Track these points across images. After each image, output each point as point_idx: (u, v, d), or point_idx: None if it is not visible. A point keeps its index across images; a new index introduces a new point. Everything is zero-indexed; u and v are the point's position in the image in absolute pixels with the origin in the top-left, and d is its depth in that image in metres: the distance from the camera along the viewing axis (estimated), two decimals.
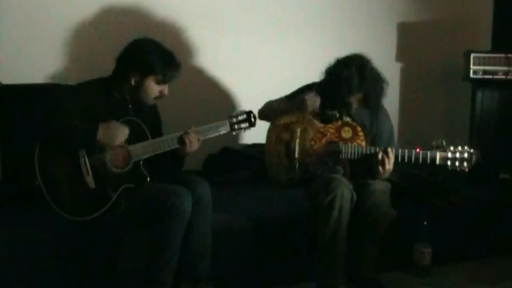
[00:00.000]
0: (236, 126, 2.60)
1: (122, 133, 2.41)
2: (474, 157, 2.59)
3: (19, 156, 2.47)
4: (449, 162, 2.59)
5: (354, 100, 2.71)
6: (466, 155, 2.59)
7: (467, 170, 2.60)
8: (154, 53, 2.48)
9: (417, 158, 2.61)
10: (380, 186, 2.67)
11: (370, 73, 2.66)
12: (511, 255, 3.17)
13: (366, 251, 2.68)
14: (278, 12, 3.72)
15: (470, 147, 2.60)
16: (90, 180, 2.38)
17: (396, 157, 2.61)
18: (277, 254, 2.78)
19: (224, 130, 2.58)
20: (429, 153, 2.60)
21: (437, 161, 2.60)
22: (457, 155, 2.59)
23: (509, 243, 3.18)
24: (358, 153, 2.66)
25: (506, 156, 3.48)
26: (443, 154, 2.60)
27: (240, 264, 2.72)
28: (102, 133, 2.36)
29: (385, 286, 2.71)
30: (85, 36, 3.30)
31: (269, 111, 2.89)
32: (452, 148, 2.60)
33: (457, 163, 2.59)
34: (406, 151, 2.62)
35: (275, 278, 2.78)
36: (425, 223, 2.90)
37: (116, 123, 2.41)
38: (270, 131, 2.90)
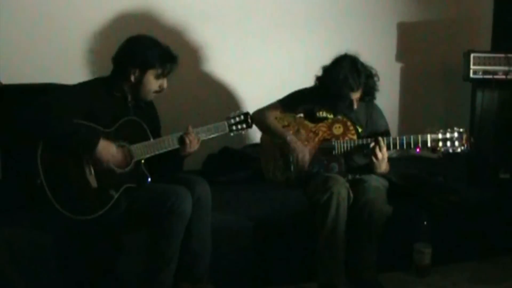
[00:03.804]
0: (234, 127, 2.62)
1: (117, 157, 2.41)
2: (464, 136, 2.61)
3: (20, 155, 2.47)
4: (440, 143, 2.63)
5: (355, 99, 2.74)
6: (456, 134, 2.62)
7: (459, 150, 2.62)
8: (151, 48, 2.49)
9: (408, 143, 2.64)
10: (375, 183, 2.69)
11: (362, 67, 2.72)
12: (511, 255, 3.17)
13: (364, 249, 2.68)
14: (278, 13, 3.72)
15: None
16: (92, 179, 2.38)
17: (388, 145, 2.63)
18: (277, 254, 2.78)
19: (222, 131, 2.60)
20: (420, 137, 2.63)
21: (429, 143, 2.64)
22: (448, 135, 2.63)
23: (509, 243, 3.18)
24: (351, 147, 2.69)
25: (506, 156, 3.47)
26: (434, 135, 2.64)
27: (240, 264, 2.72)
28: (101, 148, 2.35)
29: (385, 286, 2.71)
30: (85, 36, 3.31)
31: (262, 127, 2.91)
32: (442, 130, 2.62)
33: (448, 144, 2.62)
34: (397, 138, 2.64)
35: (275, 278, 2.78)
36: (425, 223, 2.90)
37: (114, 145, 2.41)
38: (263, 135, 2.93)
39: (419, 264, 2.92)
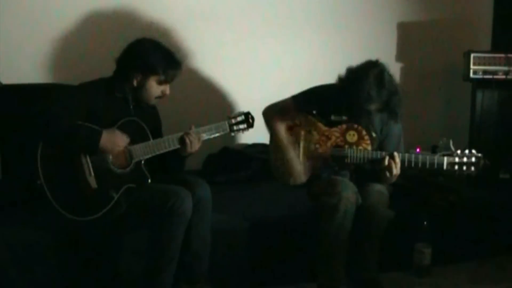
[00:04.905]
0: (235, 127, 2.62)
1: (123, 142, 2.41)
2: (481, 162, 2.56)
3: (20, 156, 2.47)
4: (456, 167, 2.56)
5: (373, 110, 2.65)
6: (473, 159, 2.56)
7: (474, 174, 2.57)
8: (156, 53, 2.48)
9: (424, 163, 2.57)
10: (378, 187, 2.66)
11: (389, 82, 2.58)
12: (511, 255, 3.17)
13: (365, 251, 2.67)
14: (278, 13, 3.72)
15: (478, 151, 2.58)
16: (92, 180, 2.38)
17: (403, 162, 2.59)
18: (276, 254, 2.78)
19: (223, 131, 2.60)
20: (436, 158, 2.56)
21: (445, 166, 2.57)
22: (465, 159, 2.56)
23: (509, 243, 3.18)
24: (364, 158, 2.63)
25: (506, 156, 3.48)
26: (451, 159, 2.56)
27: (239, 264, 2.72)
28: (104, 140, 2.35)
29: (385, 286, 2.71)
30: (85, 36, 3.31)
31: (268, 126, 2.86)
32: (459, 152, 2.56)
33: (464, 168, 2.56)
34: (413, 156, 2.58)
35: (275, 278, 2.78)
36: (425, 223, 2.89)
37: (118, 131, 2.41)
38: (273, 133, 2.89)
39: (419, 264, 2.92)
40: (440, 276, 2.93)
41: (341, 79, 2.66)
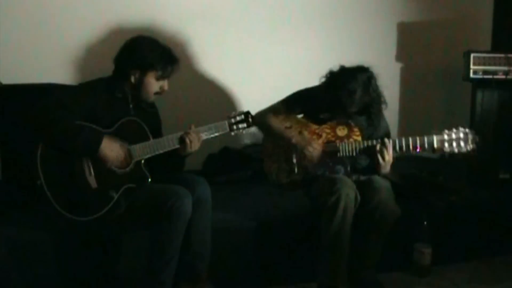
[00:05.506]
0: (234, 127, 2.62)
1: (120, 155, 2.41)
2: (470, 136, 2.60)
3: (20, 156, 2.47)
4: (446, 144, 2.60)
5: (353, 111, 2.68)
6: (461, 135, 2.60)
7: (465, 150, 2.60)
8: (152, 49, 2.49)
9: (415, 144, 2.61)
10: (385, 184, 2.67)
11: (374, 90, 2.64)
12: (511, 255, 3.17)
13: (370, 250, 2.68)
14: (278, 13, 3.72)
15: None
16: (92, 180, 2.38)
17: (394, 146, 2.61)
18: (277, 254, 2.78)
19: (223, 130, 2.59)
20: (426, 138, 2.61)
21: (435, 144, 2.61)
22: (453, 135, 2.60)
23: (509, 243, 3.18)
24: (356, 149, 2.66)
25: (506, 156, 3.48)
26: (439, 136, 2.61)
27: (239, 264, 2.72)
28: (104, 145, 2.36)
29: (385, 286, 2.71)
30: (85, 36, 3.31)
31: (264, 129, 2.88)
32: (447, 130, 2.61)
33: (454, 144, 2.60)
34: (403, 139, 2.62)
35: (275, 277, 2.78)
36: (425, 223, 2.90)
37: (118, 143, 2.41)
38: (265, 138, 2.90)
39: (419, 264, 2.92)
40: (440, 276, 2.93)
41: (332, 74, 2.70)
